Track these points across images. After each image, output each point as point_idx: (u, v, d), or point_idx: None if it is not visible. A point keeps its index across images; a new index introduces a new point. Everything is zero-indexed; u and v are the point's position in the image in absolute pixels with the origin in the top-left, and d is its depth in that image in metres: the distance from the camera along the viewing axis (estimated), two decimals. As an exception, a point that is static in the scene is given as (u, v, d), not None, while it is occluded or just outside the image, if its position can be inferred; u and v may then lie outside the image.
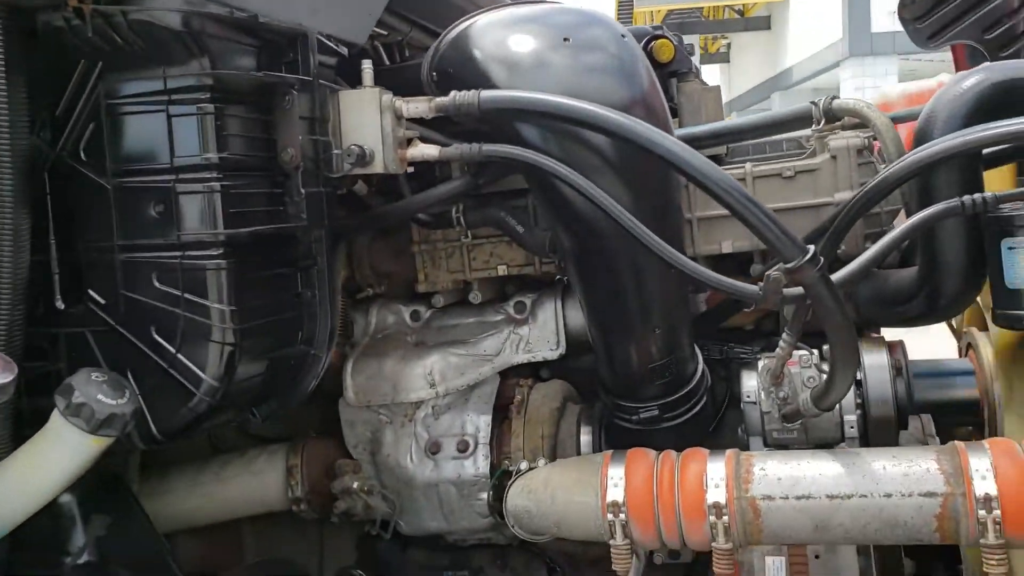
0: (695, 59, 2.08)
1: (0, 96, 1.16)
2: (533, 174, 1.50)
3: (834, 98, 1.68)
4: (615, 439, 1.73)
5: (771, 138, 1.85)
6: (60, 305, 1.33)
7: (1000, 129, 1.32)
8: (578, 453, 1.77)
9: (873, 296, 1.68)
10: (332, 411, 1.90)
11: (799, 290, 1.30)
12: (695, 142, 1.79)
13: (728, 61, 24.14)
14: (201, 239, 1.28)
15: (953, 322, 2.19)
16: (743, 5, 20.47)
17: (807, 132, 1.77)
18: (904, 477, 1.37)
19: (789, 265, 1.26)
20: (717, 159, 1.90)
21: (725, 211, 1.69)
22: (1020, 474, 1.31)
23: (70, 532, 1.38)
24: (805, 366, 1.65)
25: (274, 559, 2.04)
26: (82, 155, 1.30)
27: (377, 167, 1.44)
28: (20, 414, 1.27)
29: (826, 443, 1.67)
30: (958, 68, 2.54)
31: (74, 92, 1.28)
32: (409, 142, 1.48)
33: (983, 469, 1.33)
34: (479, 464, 1.78)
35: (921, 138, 1.49)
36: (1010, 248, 1.36)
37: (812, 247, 1.26)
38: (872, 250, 1.35)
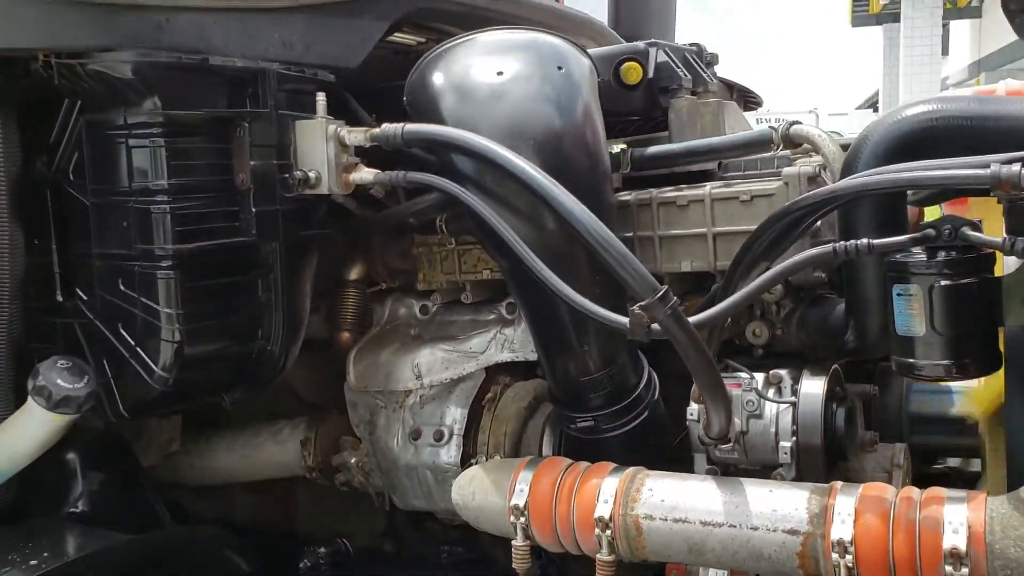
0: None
1: None
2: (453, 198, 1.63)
3: (792, 123, 1.67)
4: (567, 445, 1.84)
5: (765, 155, 1.85)
6: (59, 299, 1.62)
7: (901, 175, 1.30)
8: (539, 453, 1.89)
9: (819, 325, 1.66)
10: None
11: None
12: (672, 159, 1.85)
13: (980, 16, 22.07)
14: (153, 252, 1.52)
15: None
16: (998, -46, 18.59)
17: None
18: (772, 512, 1.39)
19: (642, 303, 1.32)
20: (708, 174, 1.94)
21: (687, 230, 1.77)
22: (881, 521, 1.31)
23: (70, 484, 1.69)
24: (746, 390, 1.68)
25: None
26: (71, 177, 1.57)
27: (323, 189, 1.63)
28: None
29: (765, 465, 1.69)
30: None
31: (62, 124, 1.55)
32: (355, 166, 1.65)
33: (845, 512, 1.33)
34: (452, 453, 1.94)
35: (846, 169, 1.47)
36: (898, 295, 1.34)
37: (664, 287, 1.32)
38: (738, 295, 1.37)
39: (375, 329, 2.14)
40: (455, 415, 1.97)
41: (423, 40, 2.24)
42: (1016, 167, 1.15)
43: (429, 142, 1.56)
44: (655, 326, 1.35)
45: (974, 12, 22.08)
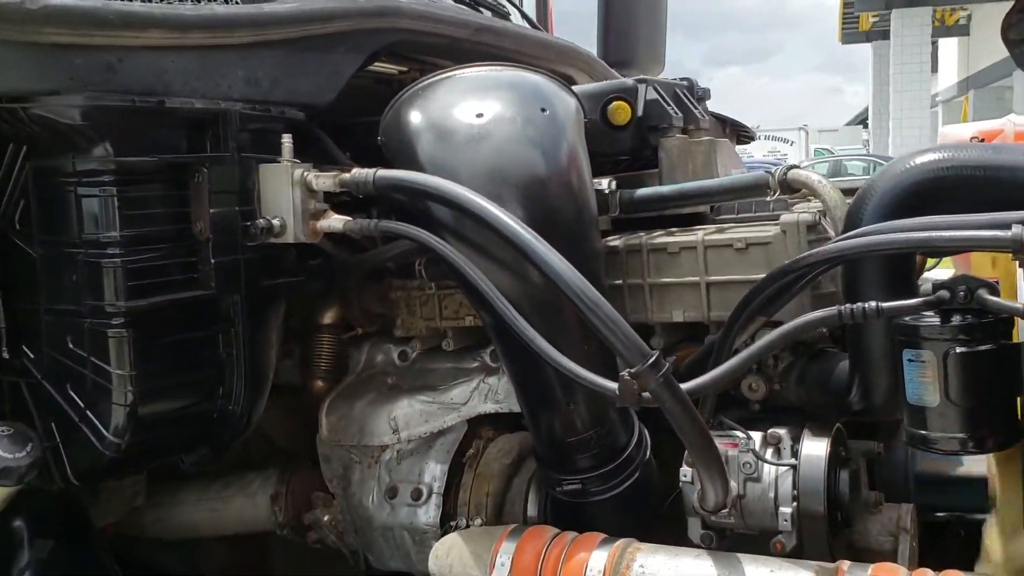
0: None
1: None
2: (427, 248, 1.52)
3: (791, 167, 1.57)
4: (553, 507, 1.73)
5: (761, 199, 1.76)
6: (5, 355, 1.50)
7: (914, 235, 1.19)
8: (524, 515, 1.77)
9: (820, 382, 1.56)
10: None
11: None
12: (663, 202, 1.75)
13: (967, 34, 22.18)
14: (104, 309, 1.40)
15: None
16: (986, -27, 18.70)
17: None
18: (772, 595, 1.28)
19: (632, 371, 1.21)
20: (700, 217, 1.84)
21: (678, 278, 1.67)
22: (892, 610, 1.20)
23: (17, 553, 1.57)
24: (743, 450, 1.57)
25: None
26: (17, 226, 1.45)
27: (288, 238, 1.52)
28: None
29: (764, 531, 1.59)
30: None
31: (7, 170, 1.43)
32: (324, 212, 1.54)
33: (853, 599, 1.22)
34: (431, 513, 1.83)
35: (850, 222, 1.37)
36: (909, 361, 1.23)
37: (656, 353, 1.21)
38: (736, 359, 1.26)
39: (350, 377, 2.03)
40: (434, 472, 1.86)
41: (405, 69, 2.14)
42: (1041, 229, 1.05)
43: (403, 190, 1.45)
44: (646, 394, 1.24)
45: (962, 30, 22.23)
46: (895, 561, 1.62)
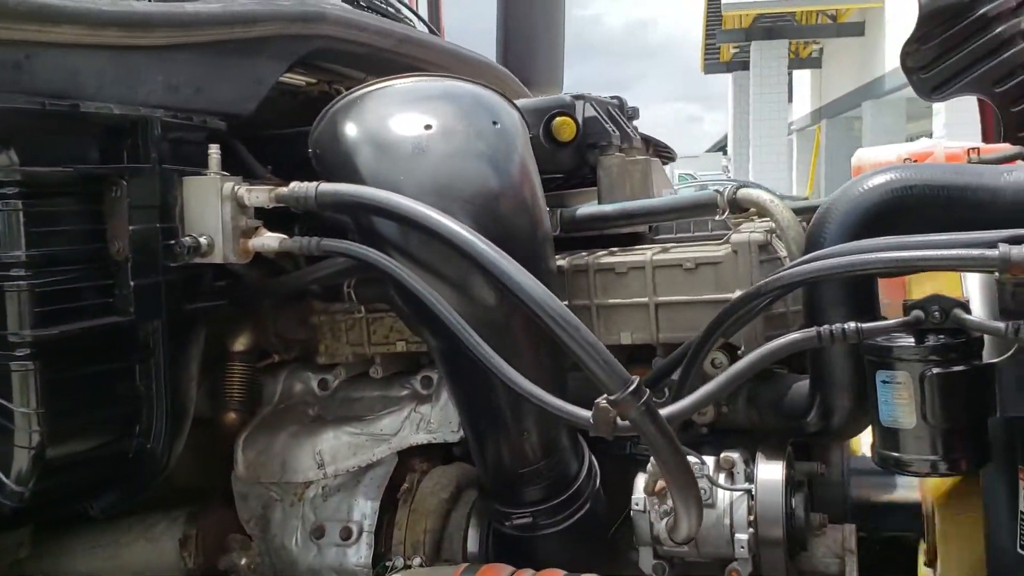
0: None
1: None
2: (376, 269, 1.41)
3: (740, 187, 1.55)
4: (498, 542, 1.64)
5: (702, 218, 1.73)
6: None
7: (896, 254, 1.17)
8: (464, 552, 1.67)
9: (773, 403, 1.53)
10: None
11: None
12: (605, 221, 1.70)
13: (820, 67, 23.42)
14: (6, 339, 1.23)
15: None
16: (836, 10, 19.78)
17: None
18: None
19: (612, 398, 1.14)
20: (638, 237, 1.79)
21: (626, 299, 1.61)
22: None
23: None
24: (697, 476, 1.52)
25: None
26: None
27: (217, 257, 1.38)
28: None
29: (719, 559, 1.54)
30: (983, 122, 2.34)
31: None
32: (256, 230, 1.41)
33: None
34: (362, 553, 1.70)
35: (811, 242, 1.35)
36: (884, 382, 1.21)
37: (636, 379, 1.15)
38: (713, 383, 1.22)
39: (267, 408, 1.88)
40: (364, 509, 1.74)
41: (314, 81, 2.02)
42: (1027, 248, 1.05)
43: (351, 205, 1.34)
44: (622, 421, 1.18)
45: (815, 63, 23.45)
46: (842, 583, 1.61)
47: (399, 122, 1.42)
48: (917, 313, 1.18)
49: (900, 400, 1.20)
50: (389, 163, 1.40)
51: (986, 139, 2.26)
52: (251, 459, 1.79)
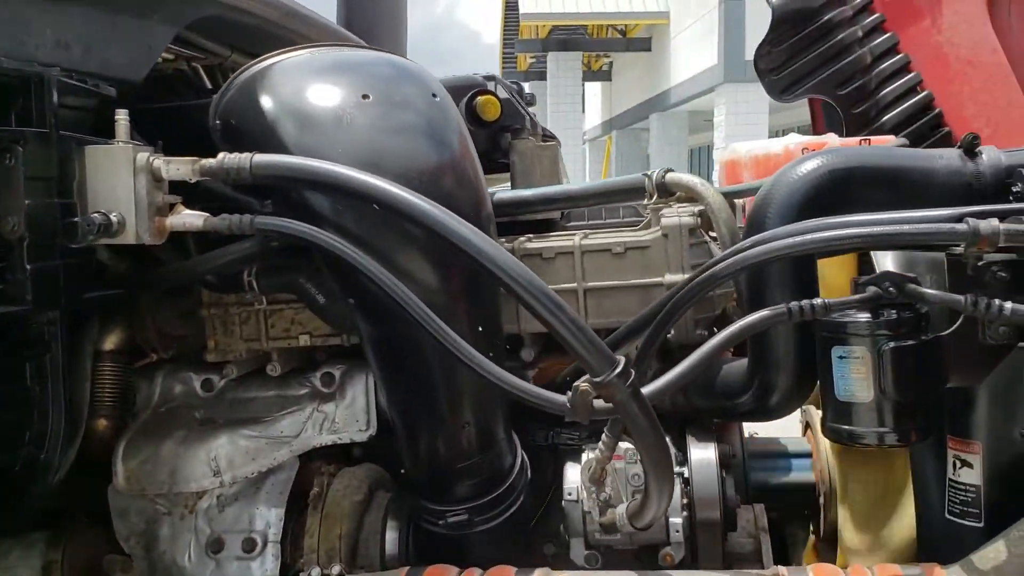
0: (532, 110, 1.92)
1: None
2: (321, 250, 1.30)
3: (667, 171, 1.54)
4: (423, 541, 1.55)
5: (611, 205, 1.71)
6: None
7: (843, 231, 1.19)
8: (382, 555, 1.57)
9: (702, 386, 1.54)
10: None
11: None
12: (525, 206, 1.64)
13: (610, 80, 24.45)
14: None
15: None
16: (625, 26, 20.73)
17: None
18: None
19: (597, 379, 1.10)
20: (551, 224, 1.75)
21: (554, 285, 1.55)
22: (845, 607, 1.19)
23: None
24: (631, 462, 1.51)
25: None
26: None
27: (128, 237, 1.21)
28: None
29: (651, 545, 1.53)
30: (815, 123, 2.48)
31: None
32: (172, 207, 1.25)
33: (807, 603, 1.20)
34: (267, 566, 1.56)
35: (753, 226, 1.36)
36: (840, 357, 1.24)
37: (623, 359, 1.11)
38: (687, 362, 1.19)
39: (146, 413, 1.68)
40: (268, 517, 1.60)
41: (171, 58, 1.85)
42: (994, 223, 1.10)
43: (292, 179, 1.21)
44: (600, 404, 1.13)
45: (605, 76, 24.46)
46: (760, 561, 1.64)
47: (332, 91, 1.30)
48: (875, 289, 1.21)
49: (857, 375, 1.23)
50: (319, 135, 1.29)
51: (816, 132, 2.41)
52: (133, 469, 1.60)
